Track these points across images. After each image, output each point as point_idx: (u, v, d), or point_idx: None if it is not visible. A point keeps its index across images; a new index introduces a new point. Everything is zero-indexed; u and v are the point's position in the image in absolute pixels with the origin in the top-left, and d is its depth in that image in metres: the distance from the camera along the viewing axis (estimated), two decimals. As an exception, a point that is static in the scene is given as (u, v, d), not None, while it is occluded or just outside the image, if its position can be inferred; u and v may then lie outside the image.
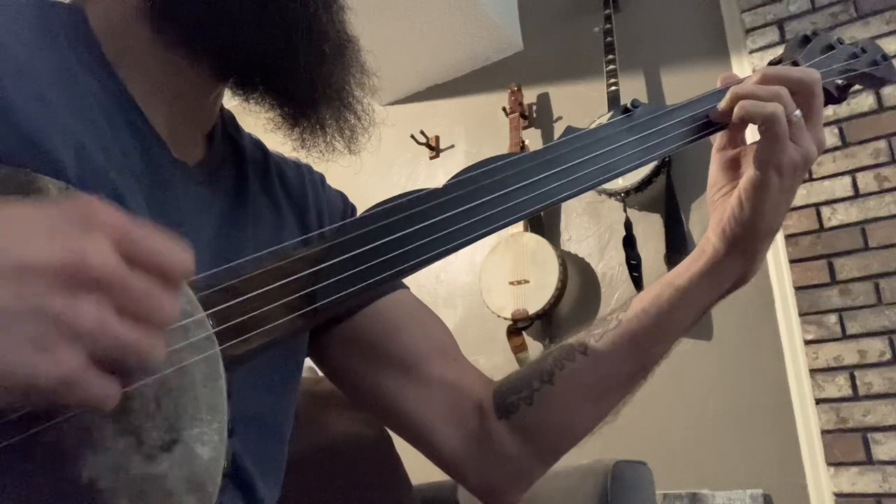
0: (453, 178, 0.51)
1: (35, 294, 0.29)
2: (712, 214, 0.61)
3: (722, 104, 0.59)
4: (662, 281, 0.61)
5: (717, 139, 0.63)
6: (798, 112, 0.55)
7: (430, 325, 0.69)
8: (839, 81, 0.66)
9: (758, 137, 0.56)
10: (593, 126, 0.58)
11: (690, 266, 0.60)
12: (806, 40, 0.68)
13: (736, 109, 0.57)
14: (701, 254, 0.60)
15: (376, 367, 0.64)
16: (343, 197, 0.72)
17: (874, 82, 0.70)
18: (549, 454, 0.64)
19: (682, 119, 0.60)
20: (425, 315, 0.69)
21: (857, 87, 0.70)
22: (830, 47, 0.68)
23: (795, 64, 0.66)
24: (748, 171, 0.57)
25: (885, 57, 0.70)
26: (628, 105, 0.59)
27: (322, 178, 0.71)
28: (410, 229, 0.48)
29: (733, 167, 0.61)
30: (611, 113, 0.59)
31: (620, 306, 0.63)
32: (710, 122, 0.60)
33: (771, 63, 0.67)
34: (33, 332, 0.29)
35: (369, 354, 0.65)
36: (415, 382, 0.64)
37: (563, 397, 0.61)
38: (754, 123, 0.56)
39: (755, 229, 0.57)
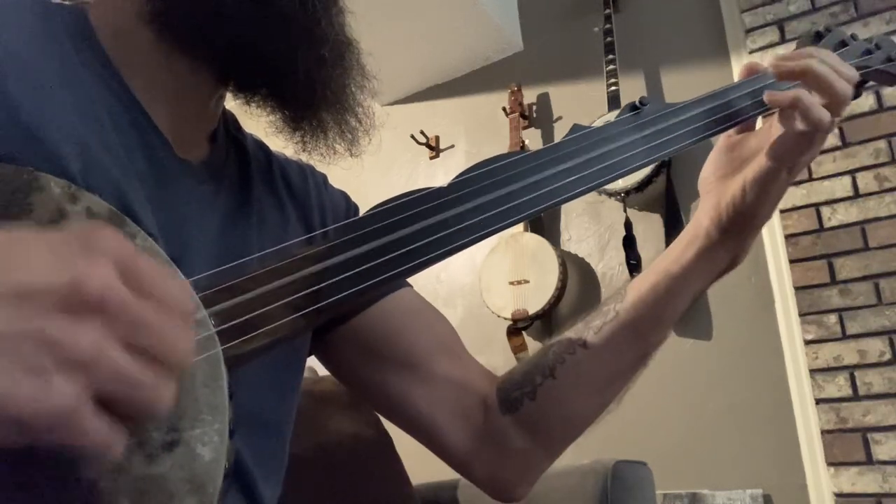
0: (458, 176, 0.51)
1: (32, 318, 0.27)
2: (705, 197, 0.60)
3: (789, 66, 0.56)
4: (656, 269, 0.61)
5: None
6: (837, 119, 0.56)
7: (434, 322, 0.69)
8: None
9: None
10: (597, 125, 0.57)
11: (684, 253, 0.59)
12: (819, 36, 0.66)
13: (796, 96, 0.54)
14: (693, 239, 0.59)
15: (382, 366, 0.65)
16: (346, 196, 0.72)
17: (889, 78, 0.69)
18: (554, 446, 0.65)
19: (692, 116, 0.59)
20: (429, 313, 0.70)
21: (871, 82, 0.68)
22: (844, 44, 0.67)
23: None
24: (758, 163, 0.56)
25: None
26: (636, 103, 0.58)
27: (324, 178, 0.71)
28: (415, 228, 0.47)
29: (733, 151, 0.60)
30: (619, 110, 0.58)
31: (615, 296, 0.62)
32: (721, 118, 0.59)
33: None
34: (28, 357, 0.27)
35: (375, 354, 0.65)
36: (420, 381, 0.64)
37: (566, 390, 0.62)
38: (802, 124, 0.54)
39: (753, 217, 0.57)
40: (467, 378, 0.66)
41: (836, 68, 0.56)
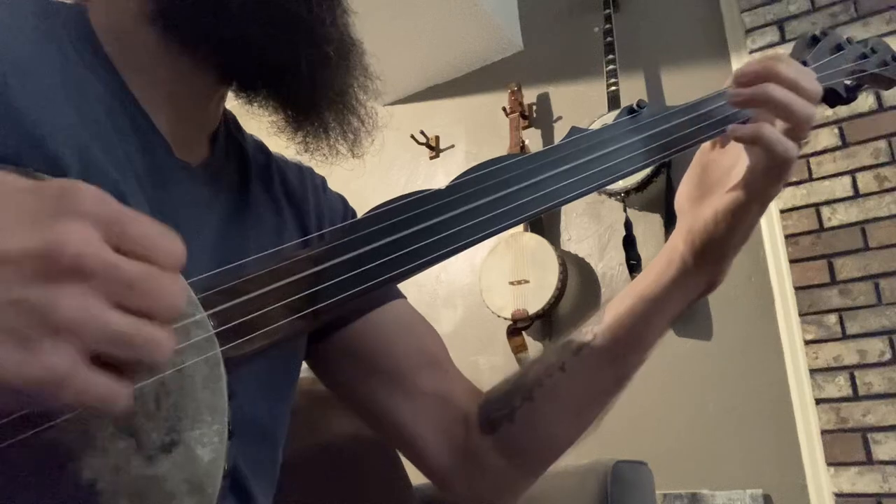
0: (457, 178, 0.51)
1: (11, 287, 0.27)
2: (680, 220, 0.59)
3: (745, 95, 0.54)
4: (632, 292, 0.60)
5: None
6: (805, 141, 0.54)
7: (423, 336, 0.69)
8: (848, 82, 0.65)
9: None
10: (596, 125, 0.58)
11: (660, 277, 0.58)
12: (815, 40, 0.66)
13: (757, 133, 0.52)
14: (669, 264, 0.58)
15: (369, 377, 0.65)
16: (343, 201, 0.72)
17: (884, 83, 0.69)
18: (532, 468, 0.64)
19: (688, 119, 0.58)
20: (420, 326, 0.69)
21: (866, 86, 0.69)
22: (840, 47, 0.66)
23: (805, 65, 0.63)
24: (729, 195, 0.55)
25: (895, 57, 0.68)
26: (634, 106, 0.58)
27: (323, 181, 0.71)
28: (413, 230, 0.47)
29: (707, 171, 0.59)
30: (617, 113, 0.59)
31: (594, 318, 0.62)
32: (716, 122, 0.59)
33: None
34: (14, 328, 0.27)
35: (363, 364, 0.65)
36: (406, 394, 0.64)
37: (544, 413, 0.61)
38: (769, 157, 0.52)
39: (726, 245, 0.56)
40: (452, 394, 0.65)
41: (798, 84, 0.53)
